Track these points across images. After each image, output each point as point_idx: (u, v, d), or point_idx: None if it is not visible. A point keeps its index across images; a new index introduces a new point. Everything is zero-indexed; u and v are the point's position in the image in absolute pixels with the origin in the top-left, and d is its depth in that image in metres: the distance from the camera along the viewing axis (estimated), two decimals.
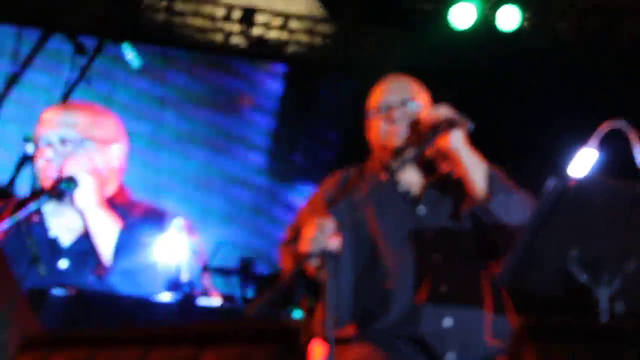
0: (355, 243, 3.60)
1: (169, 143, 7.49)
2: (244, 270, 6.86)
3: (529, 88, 7.42)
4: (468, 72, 7.33)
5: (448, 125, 3.42)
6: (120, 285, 3.71)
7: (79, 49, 7.27)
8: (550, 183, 2.89)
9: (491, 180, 3.45)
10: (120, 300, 3.32)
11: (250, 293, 6.82)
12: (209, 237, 7.01)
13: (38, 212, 3.88)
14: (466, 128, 3.43)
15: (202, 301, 3.26)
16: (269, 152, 7.91)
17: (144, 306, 3.16)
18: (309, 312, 4.02)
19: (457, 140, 3.44)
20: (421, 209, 3.62)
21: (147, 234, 3.79)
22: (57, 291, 3.03)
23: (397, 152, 3.64)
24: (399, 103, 3.67)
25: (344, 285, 3.53)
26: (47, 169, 3.85)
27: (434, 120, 3.46)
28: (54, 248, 3.83)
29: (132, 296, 3.52)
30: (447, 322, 3.43)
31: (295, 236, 3.59)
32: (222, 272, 6.74)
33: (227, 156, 7.71)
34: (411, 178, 3.72)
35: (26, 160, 5.56)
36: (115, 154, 4.00)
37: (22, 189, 6.56)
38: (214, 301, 3.50)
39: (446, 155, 3.56)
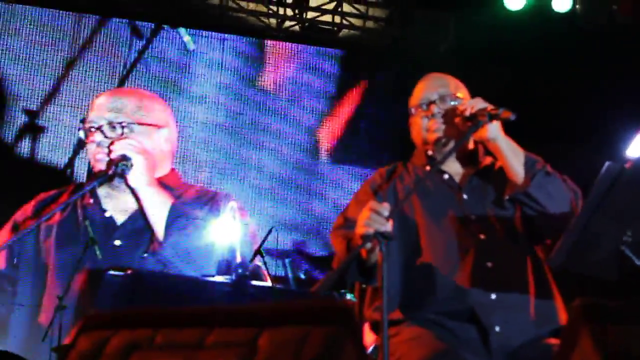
0: (402, 230, 3.69)
1: (224, 125, 7.51)
2: (297, 252, 6.88)
3: (582, 69, 7.33)
4: (521, 53, 7.26)
5: (489, 117, 3.54)
6: (173, 259, 3.75)
7: (136, 33, 7.33)
8: (607, 165, 2.88)
9: (529, 166, 3.60)
10: (174, 280, 3.36)
11: (302, 274, 6.85)
12: (262, 218, 7.05)
13: (93, 194, 3.95)
14: (508, 117, 3.49)
15: (255, 282, 3.28)
16: (324, 134, 7.90)
17: (198, 286, 3.18)
18: (361, 296, 4.05)
19: (494, 131, 3.59)
20: (464, 195, 3.70)
21: (199, 213, 3.83)
22: (113, 272, 3.08)
23: (440, 145, 3.82)
24: (438, 99, 3.82)
25: (393, 269, 3.58)
26: (97, 153, 3.91)
27: (472, 113, 3.58)
28: (109, 227, 3.89)
29: (186, 276, 3.56)
30: (493, 296, 3.49)
31: (344, 223, 3.68)
32: (275, 253, 6.77)
33: (283, 138, 7.71)
34: (454, 168, 3.82)
35: (81, 144, 5.63)
36: (164, 137, 4.06)
37: (81, 171, 6.65)
38: (267, 282, 3.53)
39: (485, 146, 3.74)
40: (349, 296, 4.55)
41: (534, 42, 7.38)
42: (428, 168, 3.83)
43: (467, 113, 3.59)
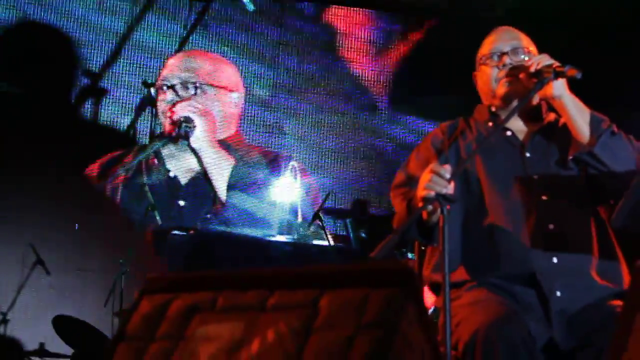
0: (464, 187, 3.68)
1: (287, 85, 7.50)
2: (357, 212, 6.87)
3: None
4: (579, 17, 7.15)
5: (554, 74, 3.48)
6: (236, 220, 3.78)
7: None
8: None
9: (594, 126, 3.51)
10: (236, 239, 3.38)
11: (363, 234, 6.84)
12: (323, 178, 7.04)
13: (157, 154, 3.99)
14: (574, 75, 3.44)
15: (317, 242, 3.28)
16: (383, 94, 7.87)
17: (260, 246, 3.20)
18: (420, 256, 4.04)
19: (559, 89, 3.52)
20: (527, 153, 3.66)
21: (260, 174, 3.86)
22: (176, 232, 3.10)
23: (506, 99, 3.75)
24: (511, 51, 3.78)
25: (453, 229, 3.56)
26: (167, 111, 3.96)
27: (537, 69, 3.52)
28: (173, 187, 3.94)
29: (248, 236, 3.58)
30: (555, 260, 3.45)
31: (405, 180, 3.66)
32: (335, 213, 6.77)
33: (342, 99, 7.69)
34: (518, 125, 3.78)
35: (147, 104, 5.66)
36: (234, 101, 4.10)
37: (144, 132, 6.69)
38: (328, 242, 3.53)
39: (550, 103, 3.65)
40: (409, 255, 4.54)
41: (591, 5, 7.26)
42: (491, 124, 3.78)
43: (533, 69, 3.53)
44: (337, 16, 7.78)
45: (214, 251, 3.14)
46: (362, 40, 7.87)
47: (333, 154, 7.33)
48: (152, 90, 4.09)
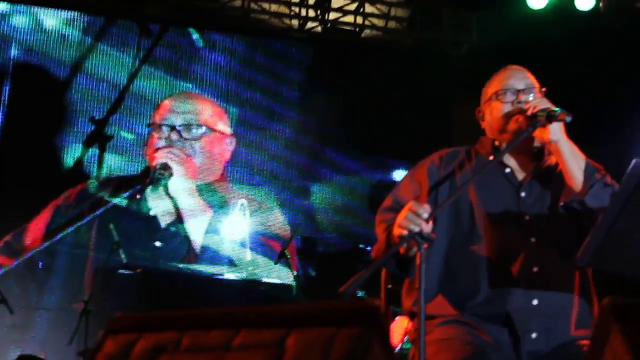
0: (453, 215, 3.69)
1: (257, 122, 7.53)
2: (306, 250, 6.89)
3: (606, 68, 7.28)
4: (545, 52, 7.22)
5: (547, 117, 3.49)
6: (206, 271, 3.77)
7: (145, 33, 7.33)
8: (634, 162, 2.86)
9: (588, 174, 3.52)
10: (185, 277, 3.37)
11: (312, 272, 6.85)
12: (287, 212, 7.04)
13: (141, 191, 3.98)
14: (563, 119, 3.47)
15: (266, 280, 3.28)
16: (353, 130, 7.90)
17: (210, 284, 3.19)
18: (387, 292, 4.03)
19: (556, 133, 3.52)
20: (522, 193, 3.66)
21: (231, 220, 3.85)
22: (123, 270, 3.10)
23: (515, 136, 3.69)
24: (524, 89, 3.79)
25: (435, 257, 3.61)
26: (168, 153, 3.96)
27: (533, 112, 3.54)
28: (152, 227, 3.93)
29: (196, 273, 3.57)
30: (535, 302, 3.46)
31: (392, 205, 3.66)
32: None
33: (309, 134, 7.72)
34: (517, 163, 3.79)
35: (93, 139, 5.61)
36: (229, 146, 4.14)
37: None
38: (294, 277, 3.53)
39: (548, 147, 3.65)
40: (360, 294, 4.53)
41: (558, 40, 7.35)
42: (492, 158, 3.76)
43: (529, 112, 3.55)
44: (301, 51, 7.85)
45: (162, 290, 3.13)
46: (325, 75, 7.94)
47: (300, 190, 7.34)
48: (152, 128, 4.11)
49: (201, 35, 7.49)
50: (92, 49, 7.17)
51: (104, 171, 6.64)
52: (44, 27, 7.24)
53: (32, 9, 7.27)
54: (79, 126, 6.97)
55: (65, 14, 7.31)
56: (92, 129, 6.72)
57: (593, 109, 7.18)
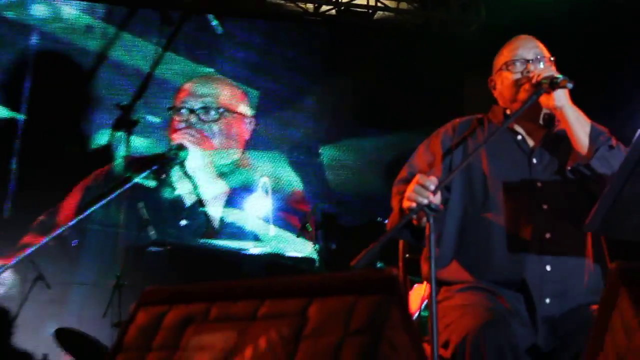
0: (467, 183, 3.65)
1: (269, 106, 7.51)
2: (327, 224, 6.88)
3: (614, 45, 7.23)
4: (553, 30, 7.17)
5: (550, 84, 3.46)
6: (221, 237, 3.80)
7: (166, 20, 7.33)
8: (639, 133, 2.84)
9: (593, 138, 3.48)
10: (212, 253, 3.38)
11: (333, 245, 6.86)
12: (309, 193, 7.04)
13: (164, 171, 3.99)
14: (565, 86, 3.44)
15: (290, 254, 3.29)
16: (361, 113, 7.89)
17: (236, 258, 3.19)
18: (407, 260, 4.02)
19: (561, 99, 3.49)
20: (534, 159, 3.63)
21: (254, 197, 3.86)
22: (153, 248, 3.11)
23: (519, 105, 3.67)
24: (534, 59, 3.74)
25: (449, 224, 3.59)
26: (185, 134, 3.98)
27: (538, 80, 3.51)
28: (177, 207, 3.95)
29: (223, 249, 3.58)
30: (548, 267, 3.44)
31: (408, 176, 3.63)
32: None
33: (322, 120, 7.71)
34: (528, 130, 3.75)
35: (120, 125, 5.66)
36: (249, 126, 4.16)
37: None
38: (316, 249, 3.53)
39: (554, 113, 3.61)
40: (378, 265, 4.53)
41: (565, 16, 7.29)
42: (502, 126, 3.73)
43: (534, 80, 3.53)
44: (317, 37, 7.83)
45: (190, 264, 3.15)
46: (344, 57, 7.92)
47: (310, 167, 7.33)
48: (172, 112, 4.12)
49: (220, 22, 7.47)
50: (116, 37, 7.17)
51: (130, 153, 6.67)
52: (65, 16, 7.24)
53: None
54: (105, 112, 6.97)
55: (87, 4, 7.31)
56: (119, 114, 6.73)
57: (600, 83, 7.14)
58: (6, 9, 7.16)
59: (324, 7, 7.88)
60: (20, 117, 6.74)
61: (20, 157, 6.51)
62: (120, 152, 6.28)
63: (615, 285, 1.99)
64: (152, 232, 3.63)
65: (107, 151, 6.67)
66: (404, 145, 7.32)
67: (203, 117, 3.99)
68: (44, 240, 3.96)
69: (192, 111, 4.00)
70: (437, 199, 3.17)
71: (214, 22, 7.33)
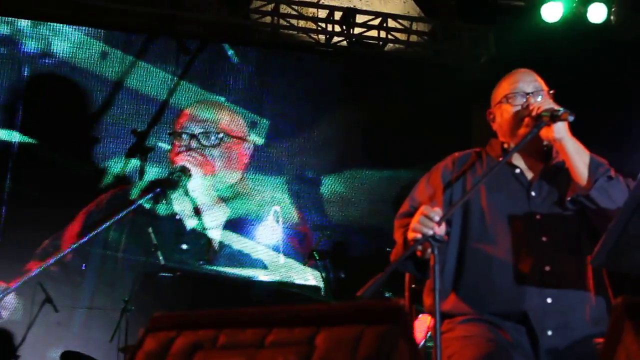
0: (465, 216, 3.64)
1: (278, 135, 7.54)
2: (337, 253, 6.89)
3: (619, 79, 7.25)
4: (559, 64, 7.20)
5: (551, 117, 3.46)
6: (226, 266, 3.82)
7: (183, 50, 7.38)
8: None
9: (593, 169, 3.48)
10: (221, 281, 3.39)
11: (342, 274, 6.86)
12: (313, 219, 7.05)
13: (166, 196, 4.02)
14: (566, 119, 3.45)
15: (299, 282, 3.30)
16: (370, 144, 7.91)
17: (245, 286, 3.20)
18: (413, 290, 4.03)
19: (560, 132, 3.48)
20: (532, 192, 3.64)
21: (255, 218, 3.89)
22: (164, 274, 3.13)
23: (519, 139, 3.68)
24: (533, 92, 3.73)
25: (449, 259, 3.58)
26: (187, 157, 4.01)
27: (538, 113, 3.51)
28: (178, 231, 3.97)
29: (232, 277, 3.60)
30: (549, 300, 3.44)
31: (410, 210, 3.64)
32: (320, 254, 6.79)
33: (330, 148, 7.73)
34: (526, 163, 3.75)
35: (135, 150, 5.69)
36: (247, 151, 4.18)
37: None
38: (323, 279, 3.54)
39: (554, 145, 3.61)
40: (386, 294, 4.53)
41: (571, 52, 7.33)
42: (501, 160, 3.73)
43: (534, 113, 3.55)
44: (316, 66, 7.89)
45: (200, 291, 3.16)
46: (351, 88, 7.96)
47: (314, 198, 7.34)
48: (172, 136, 4.16)
49: (236, 52, 7.52)
50: (133, 65, 7.22)
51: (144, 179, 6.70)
52: (85, 45, 7.29)
53: (75, 28, 7.33)
54: (119, 139, 7.01)
55: (107, 33, 7.37)
56: (134, 141, 6.77)
57: (606, 117, 7.16)
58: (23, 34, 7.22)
59: (336, 39, 7.93)
60: (33, 141, 6.76)
61: (39, 182, 6.55)
62: (134, 178, 6.32)
63: (620, 320, 2.00)
64: (161, 257, 3.64)
65: (120, 177, 6.71)
66: (411, 177, 7.37)
67: (204, 141, 4.02)
68: (50, 262, 3.98)
69: (192, 136, 4.03)
70: (441, 230, 3.18)
71: (230, 52, 7.39)
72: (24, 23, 7.33)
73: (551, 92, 3.79)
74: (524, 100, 3.71)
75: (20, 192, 6.42)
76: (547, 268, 3.49)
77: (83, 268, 4.33)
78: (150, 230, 3.79)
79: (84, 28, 7.34)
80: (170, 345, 2.14)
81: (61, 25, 7.34)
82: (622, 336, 1.98)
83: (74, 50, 7.26)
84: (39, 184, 6.52)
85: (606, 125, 7.11)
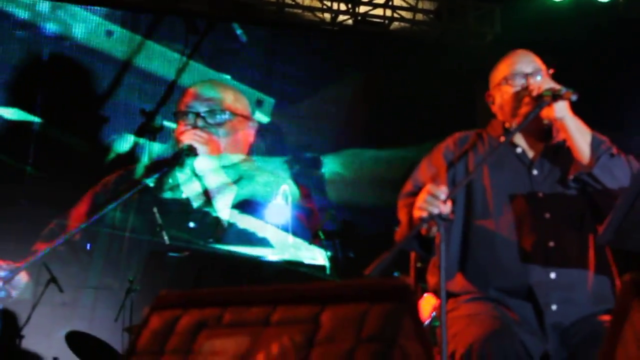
0: (469, 197, 3.67)
1: (283, 113, 7.52)
2: (346, 233, 6.88)
3: (626, 59, 7.22)
4: (566, 43, 7.17)
5: (552, 96, 3.47)
6: (235, 243, 3.81)
7: (192, 29, 7.35)
8: None
9: (595, 147, 3.49)
10: (230, 259, 3.39)
11: (352, 254, 6.86)
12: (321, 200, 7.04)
13: (173, 175, 4.03)
14: (569, 98, 3.44)
15: (309, 261, 3.30)
16: (371, 121, 7.89)
17: (254, 265, 3.20)
18: (416, 270, 4.03)
19: (561, 111, 3.51)
20: (534, 171, 3.64)
21: (262, 197, 3.88)
22: (173, 253, 3.13)
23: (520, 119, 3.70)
24: (532, 73, 3.76)
25: (453, 238, 3.61)
26: (193, 135, 4.01)
27: (538, 93, 3.52)
28: (185, 209, 3.98)
29: (241, 255, 3.59)
30: (553, 275, 3.45)
31: (413, 190, 3.64)
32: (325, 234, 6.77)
33: (339, 125, 7.71)
34: (528, 142, 3.78)
35: (145, 130, 5.68)
36: (252, 129, 4.19)
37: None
38: (326, 259, 3.54)
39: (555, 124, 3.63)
40: (395, 274, 4.53)
41: (578, 32, 7.29)
42: (503, 140, 3.74)
43: (535, 93, 3.54)
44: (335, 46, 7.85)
45: (208, 269, 3.16)
46: (357, 67, 7.92)
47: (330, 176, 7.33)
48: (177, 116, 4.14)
49: (245, 31, 7.50)
50: (141, 45, 7.20)
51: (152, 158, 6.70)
52: (92, 25, 7.27)
53: (80, 8, 7.30)
54: (127, 118, 6.99)
55: (114, 13, 7.34)
56: (142, 121, 6.76)
57: (613, 96, 7.13)
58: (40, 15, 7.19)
59: (341, 17, 7.90)
60: (37, 120, 6.76)
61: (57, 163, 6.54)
62: (144, 157, 6.32)
63: (627, 297, 1.99)
64: (166, 237, 3.63)
65: (126, 157, 6.70)
66: (417, 155, 7.34)
67: (209, 120, 4.01)
68: (57, 243, 3.99)
69: (198, 115, 4.02)
70: (447, 209, 3.18)
71: (239, 31, 7.37)
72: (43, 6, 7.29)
73: (550, 71, 3.79)
74: (524, 81, 3.72)
75: (39, 174, 6.43)
76: (551, 244, 3.51)
77: (88, 248, 4.32)
78: (155, 210, 3.79)
79: (97, 9, 7.30)
80: (176, 323, 2.15)
81: (77, 7, 7.31)
82: (629, 313, 1.97)
83: (89, 33, 7.23)
84: (56, 167, 6.53)
85: (612, 105, 7.09)
